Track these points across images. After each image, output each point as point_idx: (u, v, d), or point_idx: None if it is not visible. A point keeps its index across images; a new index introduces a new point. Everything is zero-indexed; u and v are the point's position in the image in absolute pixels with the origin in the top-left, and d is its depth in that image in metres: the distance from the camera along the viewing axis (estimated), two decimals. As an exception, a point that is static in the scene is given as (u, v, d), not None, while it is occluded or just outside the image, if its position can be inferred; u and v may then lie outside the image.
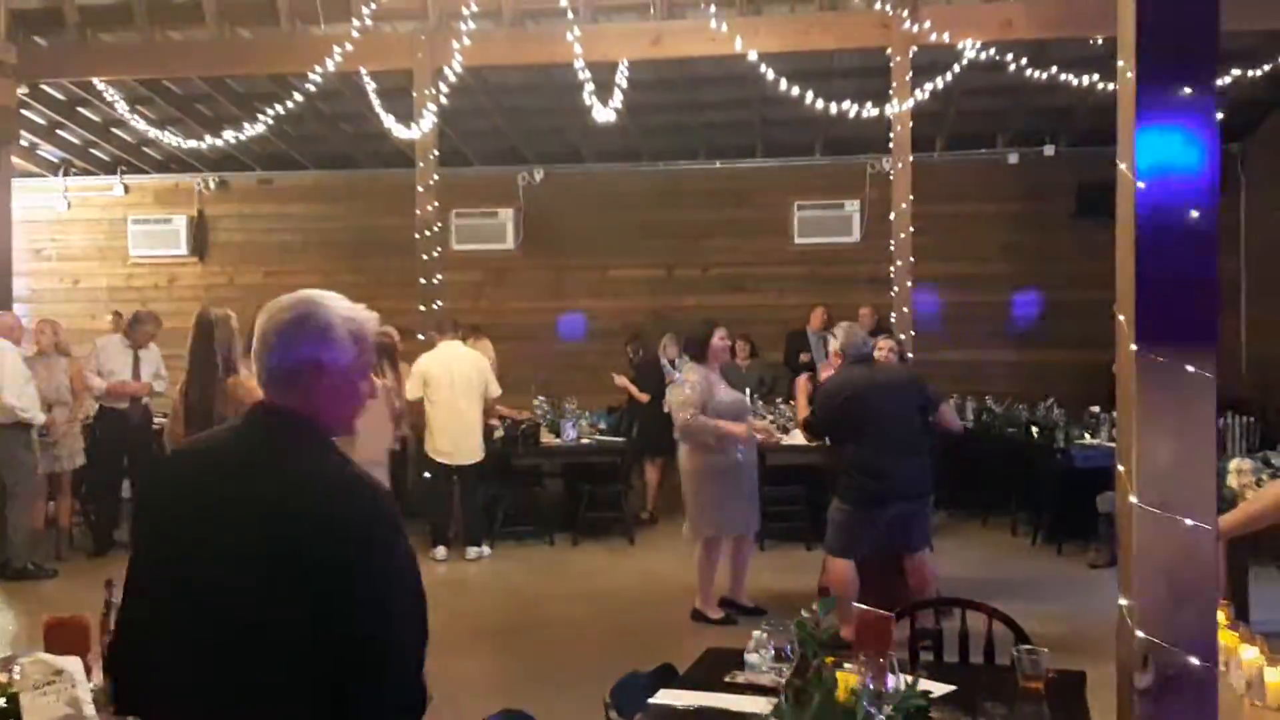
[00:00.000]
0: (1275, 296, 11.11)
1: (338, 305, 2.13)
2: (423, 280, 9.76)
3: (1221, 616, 6.38)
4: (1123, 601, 2.37)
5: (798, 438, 9.15)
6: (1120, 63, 2.37)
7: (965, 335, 11.87)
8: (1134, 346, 2.28)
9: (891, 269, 9.51)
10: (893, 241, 9.47)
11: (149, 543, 2.15)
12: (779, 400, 10.09)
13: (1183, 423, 2.26)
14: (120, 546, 8.87)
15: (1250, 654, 5.61)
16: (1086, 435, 8.88)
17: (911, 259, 9.42)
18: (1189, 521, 2.25)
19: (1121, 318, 2.37)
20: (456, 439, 8.68)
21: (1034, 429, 9.29)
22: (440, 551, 8.81)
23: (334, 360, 2.07)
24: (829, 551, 6.48)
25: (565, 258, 12.79)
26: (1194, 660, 2.28)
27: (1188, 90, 2.26)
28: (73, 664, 3.02)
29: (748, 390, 8.40)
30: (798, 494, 8.80)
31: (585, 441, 9.63)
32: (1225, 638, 6.06)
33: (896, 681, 2.85)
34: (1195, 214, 2.25)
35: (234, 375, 5.06)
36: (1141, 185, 2.28)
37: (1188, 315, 2.27)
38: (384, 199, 12.24)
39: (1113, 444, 8.41)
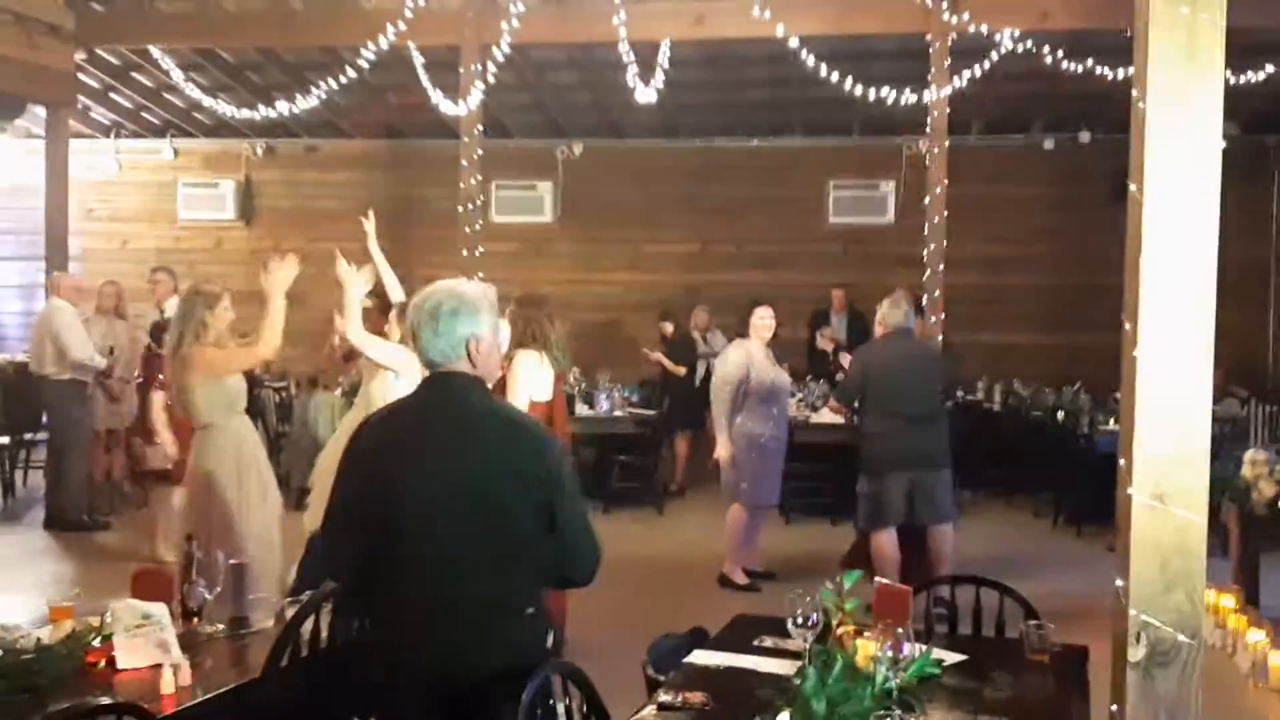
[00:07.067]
0: (1306, 287, 11.20)
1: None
2: (465, 252, 10.01)
3: (1231, 601, 6.54)
4: (1119, 582, 2.60)
5: (826, 415, 9.40)
6: (1134, 93, 2.58)
7: (997, 318, 12.01)
8: (1135, 354, 2.51)
9: (925, 251, 9.66)
10: (927, 224, 9.61)
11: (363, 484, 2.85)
12: (807, 378, 10.30)
13: (1179, 426, 2.49)
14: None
15: (1257, 637, 5.82)
16: (1111, 421, 9.02)
17: (944, 242, 9.58)
18: (1180, 512, 2.48)
19: (1128, 326, 2.59)
20: None
21: (1059, 413, 9.46)
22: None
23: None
24: (862, 528, 6.73)
25: (602, 231, 13.01)
26: (1181, 637, 2.52)
27: (1194, 124, 2.47)
28: (159, 609, 3.31)
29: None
30: (825, 471, 9.02)
31: (618, 414, 9.90)
32: (1234, 621, 6.24)
33: (911, 650, 3.10)
34: (1198, 232, 2.47)
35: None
36: (1149, 207, 2.49)
37: (1188, 326, 2.49)
38: (426, 169, 12.48)
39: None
